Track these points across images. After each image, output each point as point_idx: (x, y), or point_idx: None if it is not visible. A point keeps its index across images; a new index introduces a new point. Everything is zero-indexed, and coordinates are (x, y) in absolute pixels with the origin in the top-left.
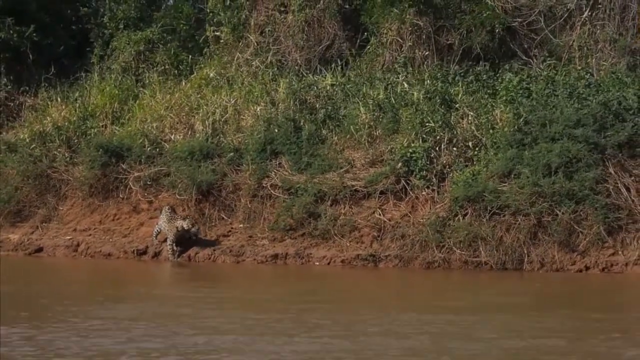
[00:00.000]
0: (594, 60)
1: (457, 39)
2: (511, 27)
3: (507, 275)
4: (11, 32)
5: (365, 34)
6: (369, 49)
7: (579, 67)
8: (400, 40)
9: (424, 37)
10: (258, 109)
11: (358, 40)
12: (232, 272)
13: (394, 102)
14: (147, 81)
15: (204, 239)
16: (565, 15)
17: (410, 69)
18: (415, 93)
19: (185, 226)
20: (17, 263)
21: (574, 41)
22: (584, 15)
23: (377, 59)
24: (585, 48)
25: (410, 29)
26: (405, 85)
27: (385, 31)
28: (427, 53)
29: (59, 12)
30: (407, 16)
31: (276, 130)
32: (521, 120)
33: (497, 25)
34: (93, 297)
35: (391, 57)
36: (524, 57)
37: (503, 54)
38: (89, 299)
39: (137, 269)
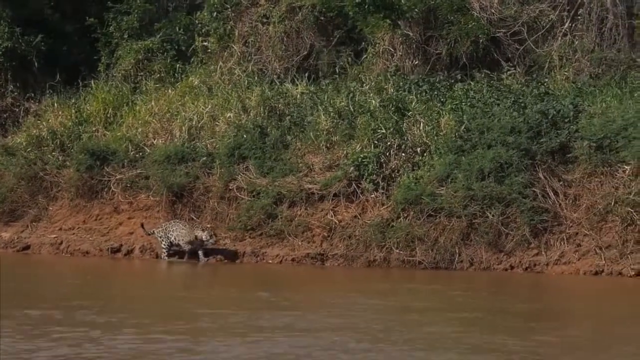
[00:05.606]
0: (570, 70)
1: (444, 49)
2: (495, 37)
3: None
4: (19, 41)
5: (363, 43)
6: (365, 57)
7: (539, 78)
8: (392, 49)
9: (413, 47)
10: (230, 115)
11: (330, 49)
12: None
13: (352, 109)
14: (144, 88)
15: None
16: (547, 26)
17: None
18: (373, 101)
19: (204, 237)
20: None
21: (554, 51)
22: (565, 27)
23: (371, 67)
24: (564, 58)
25: (400, 39)
26: (371, 93)
27: (378, 41)
28: (416, 62)
29: (80, 21)
30: (398, 28)
31: (244, 136)
32: (462, 127)
33: (481, 36)
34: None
35: (384, 66)
36: (507, 67)
37: (488, 64)
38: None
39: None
